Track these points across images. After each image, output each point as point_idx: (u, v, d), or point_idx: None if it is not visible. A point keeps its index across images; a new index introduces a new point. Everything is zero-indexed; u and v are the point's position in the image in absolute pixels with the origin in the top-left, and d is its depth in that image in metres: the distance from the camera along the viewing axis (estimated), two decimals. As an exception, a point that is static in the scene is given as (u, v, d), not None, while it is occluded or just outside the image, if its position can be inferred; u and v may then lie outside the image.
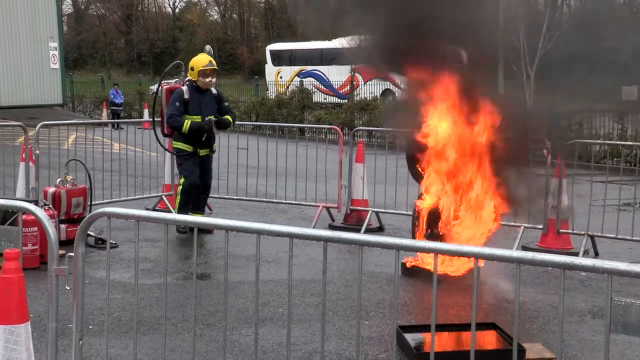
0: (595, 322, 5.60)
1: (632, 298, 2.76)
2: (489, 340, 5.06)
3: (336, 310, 5.80)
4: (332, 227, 9.02)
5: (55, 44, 30.19)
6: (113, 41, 68.24)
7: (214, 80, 8.44)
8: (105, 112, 29.79)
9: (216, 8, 68.91)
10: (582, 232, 7.97)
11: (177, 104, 8.14)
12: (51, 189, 7.90)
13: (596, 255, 7.90)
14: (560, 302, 2.89)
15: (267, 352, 4.90)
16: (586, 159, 9.22)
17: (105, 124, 20.51)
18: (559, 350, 3.00)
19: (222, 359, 3.49)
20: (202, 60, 8.33)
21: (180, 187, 8.29)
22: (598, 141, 14.26)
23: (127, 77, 56.40)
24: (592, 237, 7.98)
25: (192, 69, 8.29)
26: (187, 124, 8.13)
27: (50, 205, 7.48)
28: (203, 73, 8.24)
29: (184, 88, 8.27)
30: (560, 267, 2.84)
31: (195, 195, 8.36)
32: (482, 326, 5.10)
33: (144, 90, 36.00)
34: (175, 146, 8.36)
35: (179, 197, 8.31)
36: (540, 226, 8.11)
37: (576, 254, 7.53)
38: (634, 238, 7.91)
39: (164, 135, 8.70)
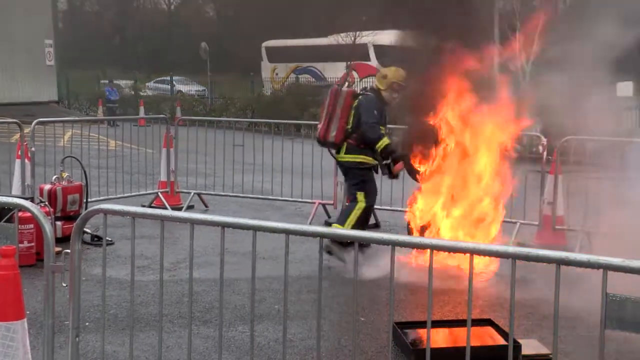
0: (590, 318, 5.61)
1: (627, 293, 2.76)
2: (484, 336, 5.08)
3: (332, 307, 5.81)
4: (328, 224, 9.02)
5: (51, 41, 30.11)
6: (108, 38, 68.11)
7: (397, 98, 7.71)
8: (100, 109, 29.74)
9: (212, 4, 68.84)
10: (578, 229, 7.98)
11: (376, 112, 7.24)
12: (47, 186, 7.89)
13: (592, 251, 7.91)
14: (555, 297, 2.90)
15: (263, 349, 4.91)
16: (582, 155, 9.24)
17: (101, 121, 20.46)
18: (554, 346, 3.01)
19: (219, 356, 3.50)
20: (400, 73, 7.46)
21: (361, 203, 7.24)
22: (594, 137, 14.26)
23: (123, 74, 56.28)
24: (587, 234, 7.99)
25: (384, 77, 7.42)
26: (384, 142, 7.19)
27: (46, 203, 7.48)
28: (395, 87, 7.40)
29: (373, 96, 7.45)
30: (555, 263, 2.85)
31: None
32: (478, 322, 5.12)
33: (139, 87, 35.95)
34: (357, 159, 7.30)
35: (356, 214, 7.23)
36: (536, 222, 8.13)
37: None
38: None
39: (323, 143, 7.51)
